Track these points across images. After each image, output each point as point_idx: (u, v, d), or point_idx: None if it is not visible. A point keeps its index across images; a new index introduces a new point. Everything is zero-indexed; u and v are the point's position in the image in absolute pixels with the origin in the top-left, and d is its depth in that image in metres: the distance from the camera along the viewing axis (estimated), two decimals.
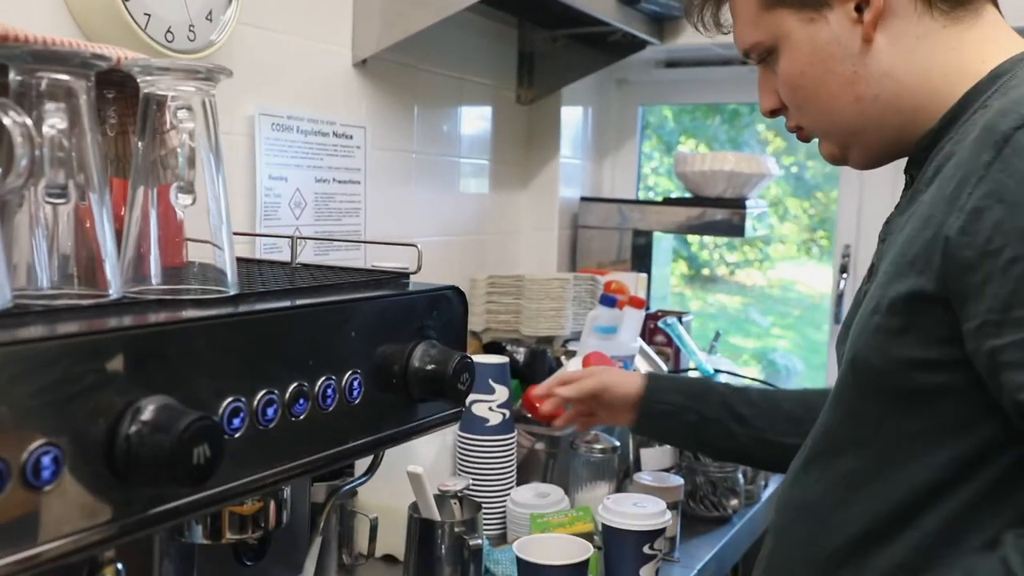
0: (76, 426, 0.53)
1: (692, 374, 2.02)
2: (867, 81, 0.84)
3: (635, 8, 1.85)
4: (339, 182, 1.58)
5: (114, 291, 0.64)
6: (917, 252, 0.75)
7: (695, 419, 1.20)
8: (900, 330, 0.76)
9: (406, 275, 0.87)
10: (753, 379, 1.92)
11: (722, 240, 3.48)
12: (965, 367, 0.74)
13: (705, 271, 3.71)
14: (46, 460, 0.51)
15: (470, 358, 0.80)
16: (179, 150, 0.66)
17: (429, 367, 0.78)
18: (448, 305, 0.86)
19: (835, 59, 0.85)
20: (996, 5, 0.87)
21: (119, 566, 0.65)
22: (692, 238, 3.23)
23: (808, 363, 3.31)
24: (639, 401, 1.23)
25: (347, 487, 0.88)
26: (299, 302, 0.70)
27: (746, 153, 2.05)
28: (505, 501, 1.43)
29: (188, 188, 0.66)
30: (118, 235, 0.68)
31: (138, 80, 0.66)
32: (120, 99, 0.74)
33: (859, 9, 0.83)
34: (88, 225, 0.65)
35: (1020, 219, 0.68)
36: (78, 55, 0.60)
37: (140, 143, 0.68)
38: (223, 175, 0.70)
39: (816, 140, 0.94)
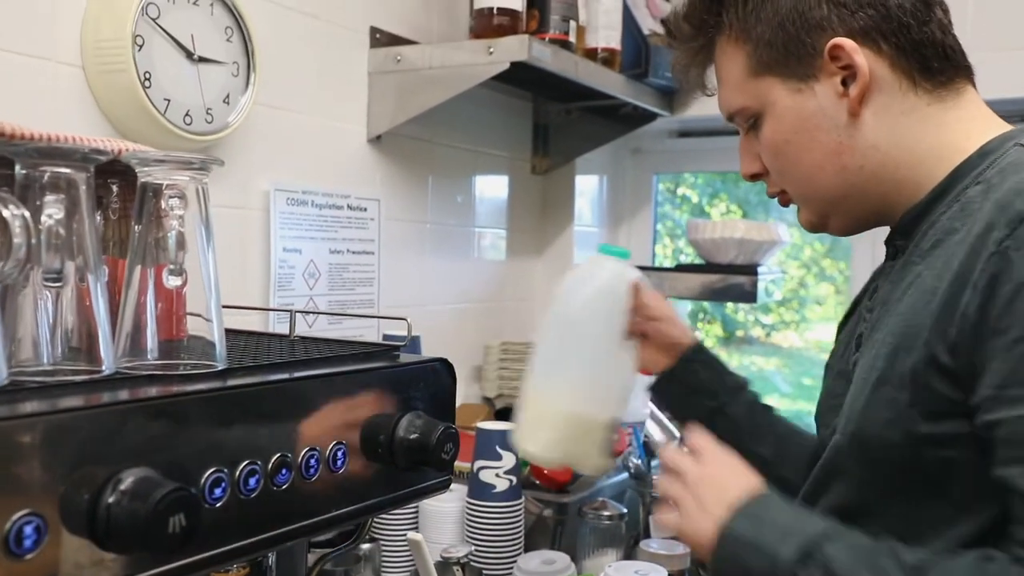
0: (60, 496, 0.57)
1: None
2: (852, 152, 0.86)
3: (643, 83, 1.90)
4: (353, 253, 1.64)
5: (108, 367, 0.68)
6: (926, 324, 0.76)
7: (714, 406, 1.12)
8: (910, 403, 0.77)
9: (397, 348, 0.91)
10: None
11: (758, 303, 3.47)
12: (972, 442, 0.75)
13: (740, 332, 3.70)
14: (28, 529, 0.54)
15: (454, 428, 0.83)
16: (170, 235, 0.70)
17: (413, 437, 0.81)
18: (436, 377, 0.89)
19: (821, 130, 0.87)
20: (974, 83, 0.89)
21: None
22: (729, 304, 3.23)
23: None
24: (678, 355, 1.14)
25: (333, 554, 0.90)
26: (283, 376, 0.74)
27: (756, 221, 2.07)
28: (512, 569, 1.44)
29: (178, 271, 0.70)
30: (115, 313, 0.73)
31: (136, 171, 0.71)
32: (124, 185, 0.79)
33: (845, 83, 0.85)
34: (87, 304, 0.70)
35: None
36: (78, 150, 0.66)
37: (137, 227, 0.73)
38: (214, 253, 0.74)
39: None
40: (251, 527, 0.70)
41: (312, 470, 0.74)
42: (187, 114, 1.28)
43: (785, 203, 0.96)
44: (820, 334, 3.81)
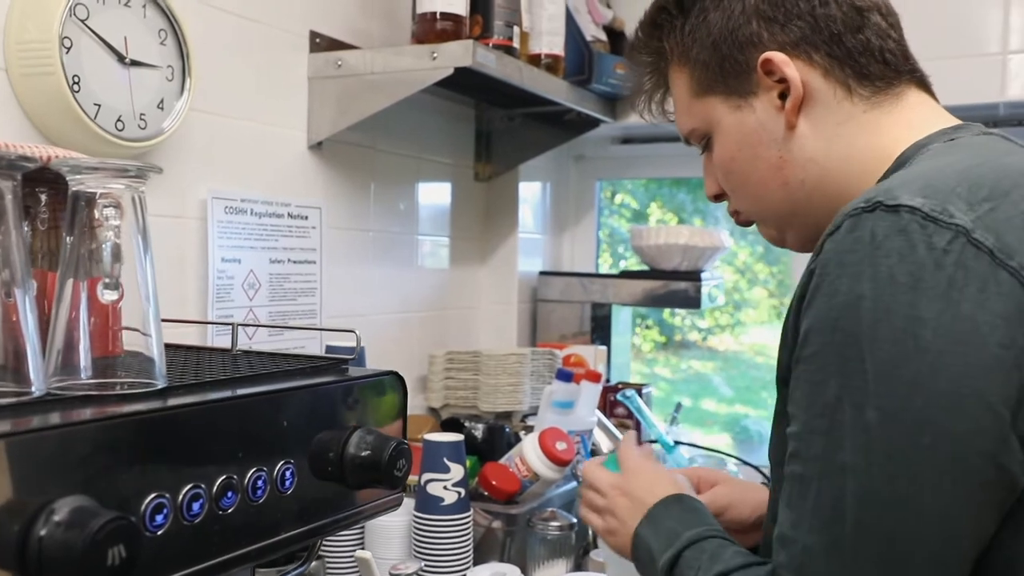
0: None
1: (654, 447, 2.02)
2: (793, 166, 0.85)
3: (587, 89, 1.90)
4: (294, 262, 1.59)
5: (37, 387, 0.64)
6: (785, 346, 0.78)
7: None
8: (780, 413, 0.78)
9: (345, 361, 0.88)
10: (716, 451, 1.92)
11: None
12: None
13: (677, 337, 3.73)
14: None
15: (407, 444, 0.81)
16: (104, 246, 0.66)
17: (364, 454, 0.78)
18: (387, 391, 0.86)
19: (762, 145, 0.86)
20: (924, 86, 0.87)
21: None
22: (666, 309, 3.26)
23: None
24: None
25: None
26: (227, 394, 0.70)
27: (700, 227, 2.09)
28: None
29: (114, 284, 0.66)
30: (45, 328, 0.69)
31: (67, 179, 0.67)
32: (52, 195, 0.75)
33: (783, 96, 0.84)
34: (14, 320, 0.66)
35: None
36: (3, 157, 0.61)
37: (68, 238, 0.69)
38: (152, 265, 0.71)
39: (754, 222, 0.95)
40: (196, 554, 0.66)
41: (260, 491, 0.70)
42: (119, 119, 1.22)
43: (743, 223, 0.95)
44: (755, 337, 3.87)
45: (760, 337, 3.88)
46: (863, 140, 0.84)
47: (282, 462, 0.73)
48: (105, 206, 0.66)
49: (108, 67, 1.21)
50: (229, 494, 0.68)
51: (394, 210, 1.89)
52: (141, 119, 1.26)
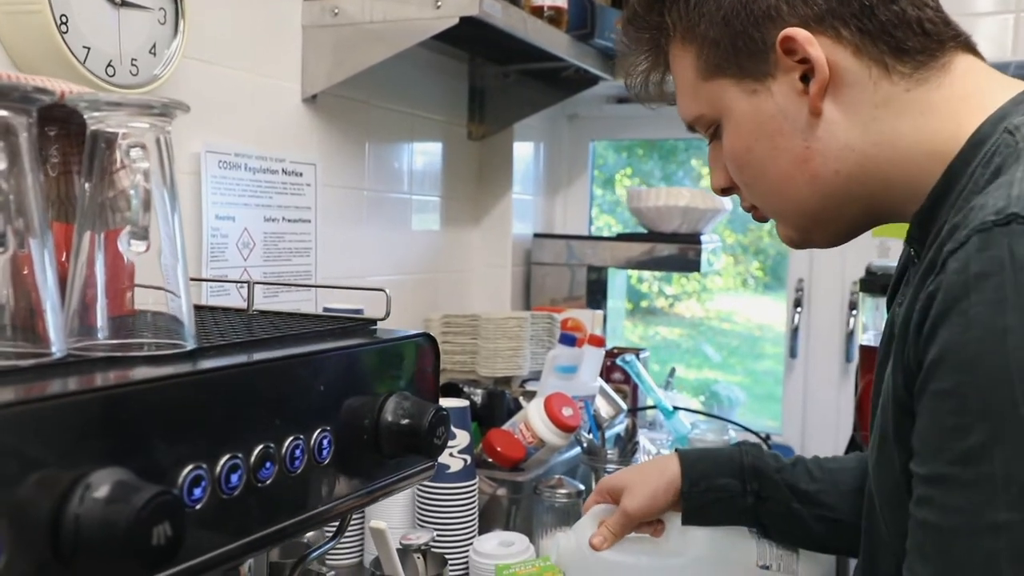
0: (15, 506, 0.47)
1: (651, 412, 1.99)
2: (823, 156, 0.75)
3: (588, 44, 1.83)
4: (289, 221, 1.52)
5: (57, 349, 0.58)
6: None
7: (752, 502, 1.01)
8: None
9: (373, 322, 0.82)
10: (715, 416, 1.90)
11: (660, 273, 3.49)
12: None
13: (644, 303, 3.71)
14: None
15: (446, 411, 0.75)
16: (132, 192, 0.60)
17: (404, 422, 0.73)
18: (420, 353, 0.80)
19: (783, 135, 0.76)
20: (970, 49, 0.77)
21: None
22: (632, 272, 3.23)
23: (750, 394, 3.33)
24: (681, 492, 1.02)
25: (315, 552, 0.81)
26: (265, 356, 0.64)
27: (701, 189, 2.04)
28: (467, 552, 1.37)
29: (142, 234, 0.60)
30: (62, 284, 0.62)
31: (84, 116, 0.60)
32: (63, 137, 0.67)
33: (805, 79, 0.74)
34: (27, 274, 0.59)
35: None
36: (17, 88, 0.54)
37: (87, 184, 0.62)
38: (179, 218, 0.64)
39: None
40: (234, 530, 0.60)
41: (298, 461, 0.65)
42: (109, 64, 1.14)
43: (761, 219, 0.86)
44: (720, 304, 3.87)
45: (726, 304, 3.88)
46: (909, 123, 0.74)
47: (319, 429, 0.67)
48: (130, 147, 0.59)
49: (98, 6, 1.13)
50: (267, 464, 0.62)
51: (388, 168, 1.82)
52: (133, 64, 1.18)
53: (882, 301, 1.68)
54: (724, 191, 0.86)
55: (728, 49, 0.77)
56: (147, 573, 0.53)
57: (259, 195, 1.45)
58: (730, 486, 1.02)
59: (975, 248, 0.60)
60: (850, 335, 2.00)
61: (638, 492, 1.02)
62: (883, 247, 1.57)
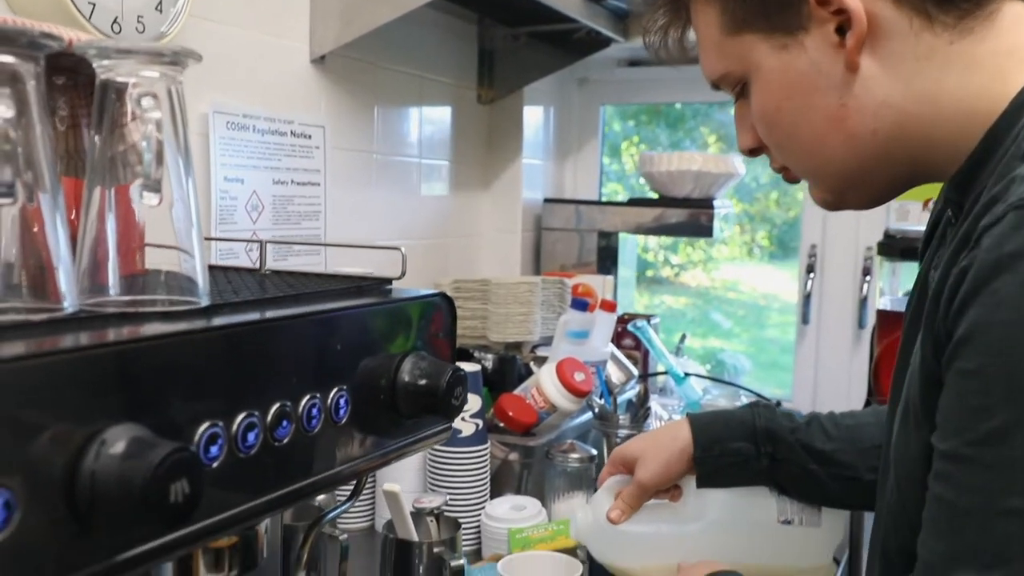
0: (30, 463, 0.46)
1: (662, 378, 1.98)
2: (860, 115, 0.71)
3: (600, 4, 1.80)
4: (298, 184, 1.50)
5: (69, 304, 0.56)
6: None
7: (767, 464, 1.00)
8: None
9: (388, 281, 0.80)
10: (727, 382, 1.89)
11: (666, 242, 3.47)
12: None
13: (649, 273, 3.70)
14: None
15: (463, 371, 0.74)
16: (144, 144, 0.58)
17: (421, 382, 0.71)
18: (437, 313, 0.79)
19: (817, 92, 0.72)
20: None
21: None
22: (638, 240, 3.21)
23: (755, 362, 3.32)
24: (693, 458, 1.01)
25: (331, 514, 0.80)
26: (281, 313, 0.63)
27: (713, 153, 2.02)
28: (479, 515, 1.37)
29: (155, 186, 0.58)
30: (72, 242, 0.61)
31: (94, 65, 0.58)
32: (71, 88, 0.66)
33: (841, 31, 0.70)
34: (37, 230, 0.57)
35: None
36: (25, 34, 0.52)
37: (96, 137, 0.60)
38: (192, 175, 0.62)
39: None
40: (251, 490, 0.59)
41: (314, 421, 0.64)
42: (115, 21, 1.12)
43: (792, 180, 0.81)
44: (726, 273, 3.85)
45: (732, 273, 3.86)
46: (954, 78, 0.70)
47: (336, 389, 0.66)
48: (141, 96, 0.57)
49: None
50: (284, 423, 0.61)
51: (397, 132, 1.79)
52: (139, 22, 1.15)
53: (899, 265, 1.67)
54: (752, 152, 0.82)
55: (756, 1, 0.73)
56: (165, 531, 0.52)
57: (268, 157, 1.43)
58: (744, 450, 1.01)
59: (1010, 226, 0.58)
60: (863, 301, 1.98)
61: (651, 462, 1.01)
62: (902, 210, 1.55)
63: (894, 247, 1.45)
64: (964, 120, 0.69)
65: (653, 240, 3.47)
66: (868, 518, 1.30)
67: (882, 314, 1.51)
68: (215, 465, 0.56)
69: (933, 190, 0.80)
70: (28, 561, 0.46)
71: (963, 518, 0.60)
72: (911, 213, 1.53)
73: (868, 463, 0.97)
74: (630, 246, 2.32)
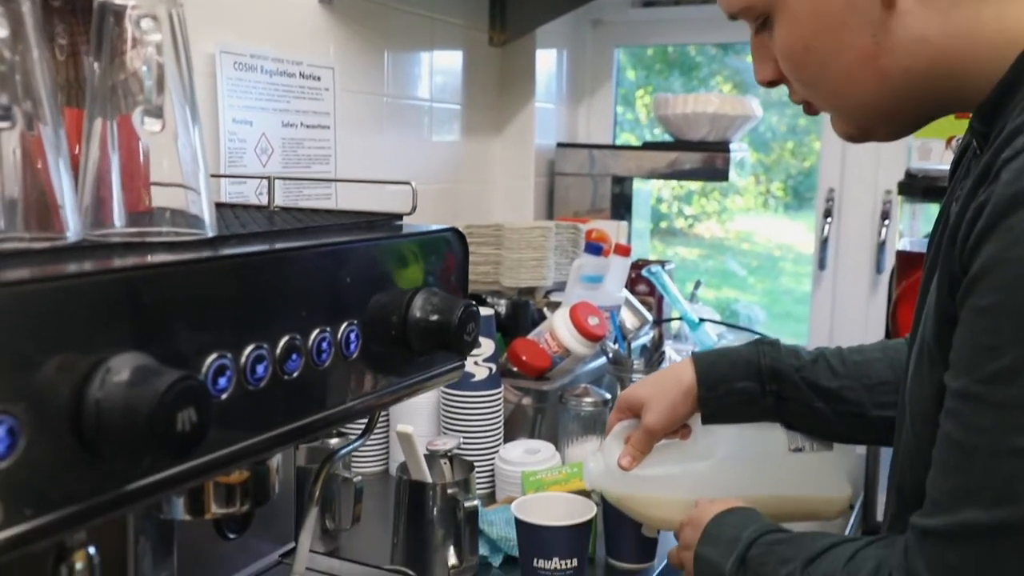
0: (34, 390, 0.45)
1: (676, 324, 1.97)
2: (893, 53, 0.68)
3: None
4: (307, 127, 1.48)
5: (72, 234, 0.55)
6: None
7: (773, 402, 0.99)
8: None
9: (399, 217, 0.79)
10: (742, 328, 1.87)
11: (680, 192, 3.44)
12: None
13: (664, 224, 3.67)
14: None
15: (476, 306, 0.73)
16: (144, 69, 0.56)
17: (433, 318, 0.70)
18: (448, 249, 0.78)
19: (849, 30, 0.69)
20: None
21: (91, 551, 0.56)
22: (653, 190, 3.18)
23: (769, 313, 3.31)
24: (698, 398, 1.00)
25: (343, 451, 0.80)
26: (289, 244, 0.62)
27: (730, 95, 1.98)
28: (493, 459, 1.37)
29: (156, 112, 0.57)
30: (75, 173, 0.59)
31: None
32: (69, 13, 0.64)
33: None
34: (37, 160, 0.56)
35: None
36: None
37: (96, 64, 0.58)
38: (195, 104, 0.61)
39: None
40: (261, 423, 0.59)
41: (324, 355, 0.63)
42: None
43: (813, 113, 0.79)
44: (741, 224, 3.81)
45: (746, 224, 3.82)
46: (993, 9, 0.67)
47: (346, 323, 0.65)
48: (140, 17, 0.55)
49: None
50: (294, 356, 0.60)
51: (408, 75, 1.76)
52: None
53: (920, 207, 1.63)
54: (770, 83, 0.79)
55: None
56: (173, 461, 0.51)
57: (276, 99, 1.41)
58: (749, 389, 1.00)
59: None
60: (882, 245, 1.95)
61: (657, 405, 1.01)
62: (924, 149, 1.51)
63: (915, 187, 1.42)
64: (999, 51, 0.66)
65: (667, 191, 3.44)
66: (885, 457, 1.29)
67: (901, 255, 1.48)
68: (224, 397, 0.55)
69: (958, 127, 0.78)
70: (35, 489, 0.45)
71: (971, 456, 0.60)
72: (933, 152, 1.49)
73: (875, 399, 0.96)
74: (644, 197, 2.29)
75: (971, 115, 0.73)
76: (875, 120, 0.74)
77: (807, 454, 1.00)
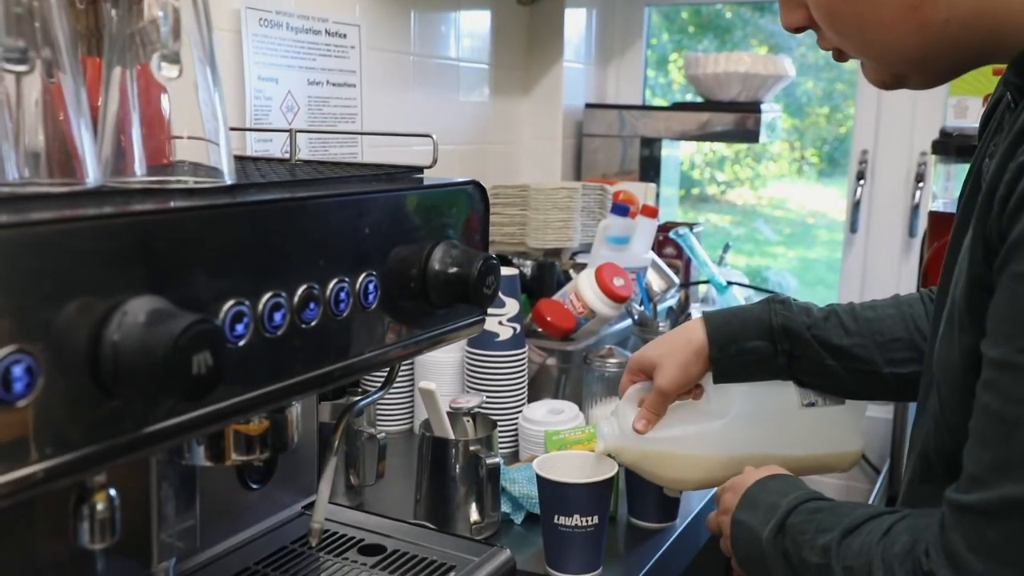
0: (52, 331, 0.45)
1: (703, 287, 1.95)
2: (935, 4, 0.67)
3: None
4: (333, 85, 1.48)
5: (92, 180, 0.55)
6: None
7: (784, 361, 0.99)
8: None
9: (420, 169, 0.78)
10: (768, 291, 1.85)
11: (713, 159, 3.40)
12: None
13: (696, 191, 3.64)
14: (18, 370, 0.43)
15: (495, 259, 0.72)
16: (161, 15, 0.56)
17: (452, 270, 0.70)
18: (469, 202, 0.77)
19: None
20: None
21: (112, 492, 0.57)
22: (684, 157, 3.14)
23: (801, 280, 3.27)
24: (710, 358, 1.00)
25: (363, 403, 0.80)
26: (307, 193, 0.62)
27: (762, 54, 1.94)
28: (517, 419, 1.37)
29: (173, 57, 0.56)
30: (94, 122, 0.59)
31: None
32: None
33: None
34: (58, 109, 0.56)
35: None
36: None
37: (114, 12, 0.58)
38: (214, 57, 0.60)
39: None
40: (279, 371, 0.59)
41: (343, 305, 0.63)
42: None
43: (843, 60, 0.77)
44: (774, 191, 3.76)
45: (780, 191, 3.77)
46: None
47: (364, 274, 0.65)
48: None
49: None
50: (311, 305, 0.60)
51: (435, 33, 1.75)
52: None
53: (954, 168, 1.60)
54: (799, 29, 0.77)
55: None
56: (189, 403, 0.52)
57: (302, 56, 1.41)
58: (760, 348, 0.99)
59: None
60: (915, 208, 1.92)
61: (669, 367, 1.00)
62: (960, 107, 1.47)
63: (949, 146, 1.38)
64: None
65: (699, 157, 3.40)
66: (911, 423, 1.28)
67: (934, 216, 1.46)
68: (242, 344, 0.55)
69: (996, 84, 0.76)
70: (54, 428, 0.46)
71: (1010, 429, 0.58)
72: (970, 110, 1.45)
73: (887, 356, 0.95)
74: (673, 163, 2.26)
75: (1006, 68, 0.71)
76: (910, 69, 0.73)
77: (819, 409, 1.00)
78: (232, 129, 0.66)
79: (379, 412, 1.42)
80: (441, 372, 1.43)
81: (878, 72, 0.75)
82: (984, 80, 0.79)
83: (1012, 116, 0.68)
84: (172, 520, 0.68)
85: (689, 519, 1.19)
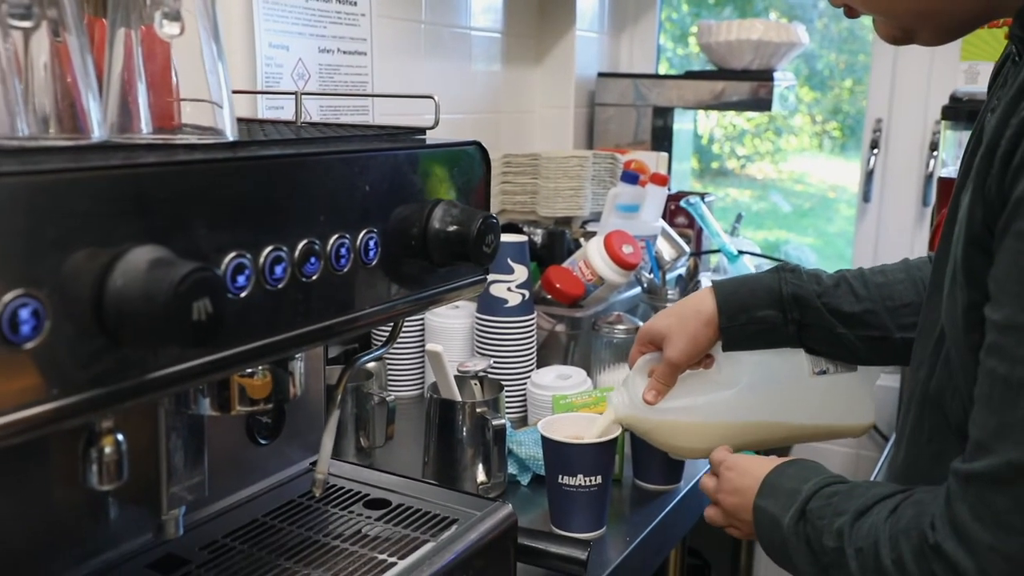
0: (58, 276, 0.47)
1: (714, 257, 1.96)
2: None
3: None
4: (344, 52, 1.49)
5: (97, 135, 0.57)
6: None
7: (795, 330, 0.99)
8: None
9: (422, 131, 0.79)
10: (780, 260, 1.85)
11: (732, 133, 3.37)
12: None
13: (715, 165, 3.62)
14: (24, 313, 0.45)
15: (495, 218, 0.74)
16: None
17: (451, 228, 0.71)
18: (470, 162, 0.78)
19: None
20: None
21: (119, 437, 0.59)
22: (703, 131, 3.12)
23: (820, 255, 3.26)
24: (719, 328, 1.00)
25: (366, 358, 0.82)
26: (308, 150, 0.63)
27: (775, 21, 1.93)
28: (525, 384, 1.39)
29: (175, 15, 0.58)
30: (99, 82, 0.61)
31: None
32: None
33: None
34: (64, 63, 0.58)
35: None
36: None
37: None
38: (216, 20, 0.61)
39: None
40: (279, 323, 0.61)
41: (343, 260, 0.64)
42: None
43: (853, 16, 0.78)
44: (794, 165, 3.73)
45: (801, 165, 3.74)
46: None
47: (365, 231, 0.66)
48: None
49: None
50: (312, 260, 0.62)
51: (446, 0, 1.75)
52: None
53: (965, 134, 1.59)
54: None
55: None
56: (191, 350, 0.53)
57: (313, 24, 1.42)
58: (770, 317, 0.99)
59: None
60: (929, 178, 1.91)
61: (678, 338, 1.00)
62: (971, 72, 1.46)
63: (960, 111, 1.37)
64: None
65: (720, 131, 3.38)
66: None
67: (943, 182, 1.45)
68: (243, 295, 0.57)
69: None
70: (61, 370, 0.48)
71: (1016, 392, 0.57)
72: (981, 75, 1.43)
73: (898, 322, 0.95)
74: (686, 136, 2.26)
75: (1011, 20, 0.71)
76: (918, 23, 0.73)
77: (830, 376, 1.00)
78: (237, 92, 0.68)
79: (390, 377, 1.45)
80: (451, 338, 1.45)
81: (889, 27, 0.75)
82: (996, 44, 0.79)
83: (1016, 70, 0.68)
84: (181, 471, 0.71)
85: (693, 482, 1.21)
